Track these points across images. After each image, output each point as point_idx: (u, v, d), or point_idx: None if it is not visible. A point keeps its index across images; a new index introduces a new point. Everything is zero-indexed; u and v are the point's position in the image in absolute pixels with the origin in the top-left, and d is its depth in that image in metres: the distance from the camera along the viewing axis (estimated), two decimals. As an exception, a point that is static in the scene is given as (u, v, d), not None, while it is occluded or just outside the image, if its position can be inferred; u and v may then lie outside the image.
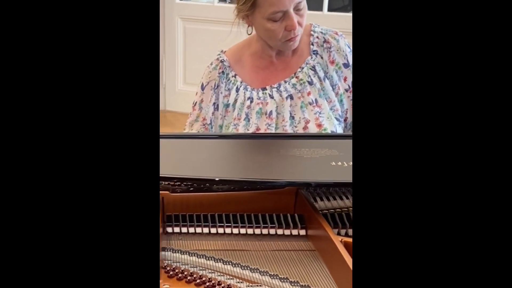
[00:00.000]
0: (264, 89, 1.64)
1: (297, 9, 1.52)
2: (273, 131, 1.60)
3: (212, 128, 1.67)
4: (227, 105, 1.66)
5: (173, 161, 1.18)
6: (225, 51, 1.73)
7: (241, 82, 1.66)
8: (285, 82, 1.64)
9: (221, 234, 1.07)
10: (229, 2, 4.86)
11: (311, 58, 1.63)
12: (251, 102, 1.64)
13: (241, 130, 1.63)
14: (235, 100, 1.65)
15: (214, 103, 1.67)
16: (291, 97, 1.62)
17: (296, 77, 1.63)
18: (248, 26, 1.64)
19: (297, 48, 1.63)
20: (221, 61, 1.69)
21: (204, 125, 1.67)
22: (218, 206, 1.10)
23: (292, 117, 1.61)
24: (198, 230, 1.07)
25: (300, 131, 1.57)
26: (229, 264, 0.97)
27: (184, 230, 1.07)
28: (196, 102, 1.70)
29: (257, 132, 1.61)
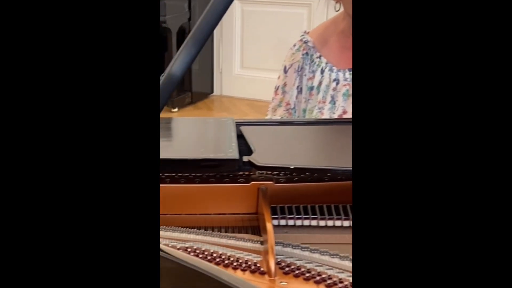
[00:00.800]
0: (351, 69, 1.56)
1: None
2: None
3: (295, 112, 1.61)
4: (311, 88, 1.59)
5: (268, 149, 1.12)
6: (308, 32, 1.66)
7: (326, 64, 1.58)
8: None
9: (329, 226, 1.00)
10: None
11: (402, 35, 1.54)
12: (337, 84, 1.56)
13: (326, 113, 1.56)
14: (320, 83, 1.58)
15: (297, 86, 1.60)
16: None
17: None
18: (336, 2, 1.56)
19: None
20: (305, 42, 1.61)
21: (287, 110, 1.60)
22: (324, 196, 1.03)
23: None
24: (306, 222, 1.00)
25: (390, 113, 1.48)
26: (346, 259, 0.90)
27: (290, 222, 1.00)
28: (278, 86, 1.64)
29: (344, 115, 1.53)
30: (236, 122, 1.17)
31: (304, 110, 1.61)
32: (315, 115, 1.58)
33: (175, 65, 0.78)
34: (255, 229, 1.01)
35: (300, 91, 1.60)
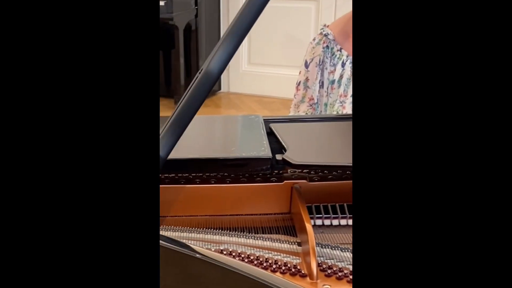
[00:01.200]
0: None
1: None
2: None
3: (318, 107, 1.58)
4: (332, 82, 1.56)
5: (301, 146, 1.09)
6: (328, 25, 1.63)
7: (347, 56, 1.55)
8: None
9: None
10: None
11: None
12: None
13: (348, 107, 1.54)
14: (341, 76, 1.55)
15: (319, 80, 1.57)
16: None
17: None
18: None
19: None
20: (325, 35, 1.58)
21: (311, 105, 1.57)
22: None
23: None
24: (343, 222, 0.97)
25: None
26: (388, 260, 0.86)
27: (327, 222, 0.97)
28: (300, 81, 1.60)
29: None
30: (264, 119, 1.14)
31: (326, 104, 1.58)
32: (336, 109, 1.55)
33: (212, 62, 0.75)
34: (289, 229, 0.98)
35: (321, 85, 1.58)
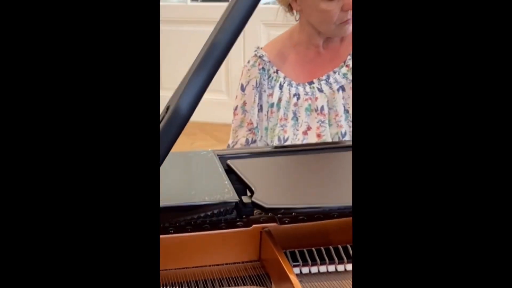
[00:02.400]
0: (311, 82, 1.47)
1: (352, -14, 1.34)
2: (327, 128, 1.43)
3: (258, 131, 1.49)
4: (271, 105, 1.48)
5: (269, 186, 0.97)
6: (261, 47, 1.54)
7: (284, 78, 1.48)
8: (334, 72, 1.47)
9: (349, 271, 0.87)
10: (202, 1, 4.65)
11: (362, 43, 1.46)
12: (298, 99, 1.46)
13: (289, 131, 1.45)
14: (279, 99, 1.48)
15: (258, 104, 1.48)
16: (342, 88, 1.46)
17: (347, 66, 1.47)
18: (296, 12, 1.46)
19: None
20: (260, 57, 1.50)
21: (250, 130, 1.48)
22: (337, 235, 0.89)
23: (346, 111, 1.44)
24: (323, 269, 0.86)
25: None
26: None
27: (305, 270, 0.86)
28: (237, 106, 1.51)
29: (308, 131, 1.43)
30: (218, 155, 1.02)
31: (266, 129, 1.49)
32: (277, 133, 1.46)
33: (182, 99, 0.63)
34: (261, 278, 0.87)
35: (260, 108, 1.49)
